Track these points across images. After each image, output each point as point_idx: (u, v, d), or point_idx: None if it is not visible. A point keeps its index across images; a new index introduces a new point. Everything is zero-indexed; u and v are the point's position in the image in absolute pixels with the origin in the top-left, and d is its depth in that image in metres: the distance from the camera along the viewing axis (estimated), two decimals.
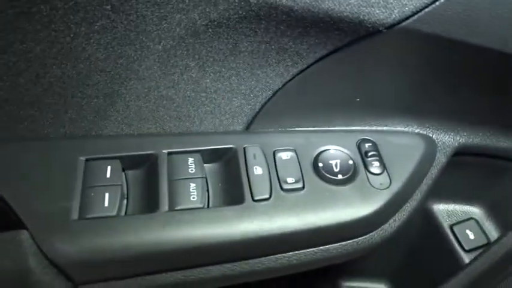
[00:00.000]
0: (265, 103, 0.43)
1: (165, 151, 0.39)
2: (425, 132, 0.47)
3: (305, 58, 0.40)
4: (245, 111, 0.43)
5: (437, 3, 0.36)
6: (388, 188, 0.41)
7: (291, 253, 0.40)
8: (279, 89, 0.42)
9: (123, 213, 0.37)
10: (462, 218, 0.59)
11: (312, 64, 0.40)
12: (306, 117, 0.45)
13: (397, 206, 0.43)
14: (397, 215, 0.43)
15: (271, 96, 0.42)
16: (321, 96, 0.44)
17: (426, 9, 0.36)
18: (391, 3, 0.36)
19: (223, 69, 0.40)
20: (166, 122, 0.41)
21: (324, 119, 0.45)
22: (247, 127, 0.43)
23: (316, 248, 0.40)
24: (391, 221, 0.42)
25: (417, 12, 0.36)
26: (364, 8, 0.36)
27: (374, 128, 0.46)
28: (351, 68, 0.42)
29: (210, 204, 0.39)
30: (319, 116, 0.45)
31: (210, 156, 0.41)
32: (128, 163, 0.39)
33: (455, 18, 0.37)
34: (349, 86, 0.43)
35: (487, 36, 0.38)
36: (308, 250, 0.40)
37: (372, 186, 0.41)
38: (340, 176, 0.41)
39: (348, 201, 0.39)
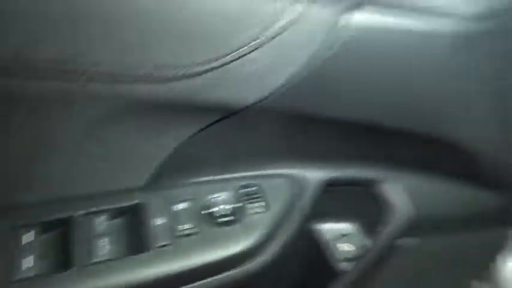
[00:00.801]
0: (164, 160, 0.51)
1: (76, 214, 0.46)
2: (297, 171, 0.58)
3: (188, 128, 0.49)
4: (145, 168, 0.51)
5: (288, 85, 0.45)
6: (267, 223, 0.51)
7: (189, 285, 0.48)
8: (176, 147, 0.50)
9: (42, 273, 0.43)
10: (340, 234, 0.71)
11: (198, 131, 0.50)
12: (200, 170, 0.54)
13: (274, 237, 0.53)
14: (274, 243, 0.53)
15: (170, 154, 0.51)
16: (213, 152, 0.54)
17: (280, 91, 0.46)
18: (245, 89, 0.45)
19: (123, 138, 0.48)
20: (77, 184, 0.48)
21: (216, 170, 0.55)
22: (150, 183, 0.52)
23: (211, 278, 0.49)
24: (269, 250, 0.52)
25: (271, 94, 0.46)
26: (219, 93, 0.45)
27: (256, 173, 0.57)
28: (230, 135, 0.52)
29: (120, 255, 0.46)
30: (211, 168, 0.55)
31: (116, 212, 0.49)
32: (42, 229, 0.46)
33: (307, 96, 0.47)
34: (231, 146, 0.54)
35: (339, 109, 0.49)
36: (203, 281, 0.49)
37: (253, 223, 0.51)
38: (227, 218, 0.51)
39: (233, 239, 0.49)
